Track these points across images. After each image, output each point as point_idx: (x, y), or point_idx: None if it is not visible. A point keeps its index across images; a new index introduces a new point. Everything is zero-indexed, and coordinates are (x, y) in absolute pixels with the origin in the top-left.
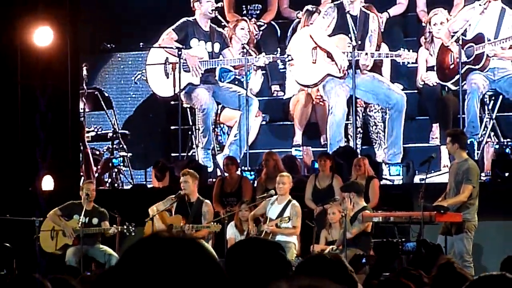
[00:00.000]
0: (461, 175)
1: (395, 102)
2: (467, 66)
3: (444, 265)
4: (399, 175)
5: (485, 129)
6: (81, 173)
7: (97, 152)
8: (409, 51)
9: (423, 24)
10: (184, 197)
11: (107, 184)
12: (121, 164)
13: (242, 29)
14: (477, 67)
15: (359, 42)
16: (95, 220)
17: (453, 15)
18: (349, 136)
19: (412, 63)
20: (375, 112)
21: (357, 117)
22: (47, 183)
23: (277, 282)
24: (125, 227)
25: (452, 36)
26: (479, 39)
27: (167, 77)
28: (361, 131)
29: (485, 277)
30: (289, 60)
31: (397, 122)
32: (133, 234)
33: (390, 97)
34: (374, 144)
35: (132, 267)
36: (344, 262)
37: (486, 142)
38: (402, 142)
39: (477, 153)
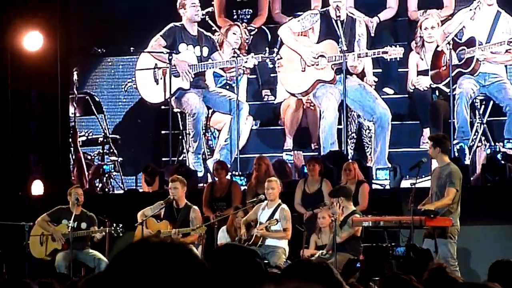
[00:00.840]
0: (443, 179)
1: (378, 116)
2: (458, 69)
3: (436, 269)
4: (387, 179)
5: (476, 133)
6: (73, 178)
7: (88, 157)
8: (396, 47)
9: (415, 26)
10: (173, 202)
11: (98, 189)
12: (112, 169)
13: (234, 34)
14: (466, 70)
15: (346, 48)
16: (83, 225)
17: (445, 17)
18: (342, 141)
19: (403, 68)
20: None
21: (352, 121)
22: (37, 187)
23: (266, 285)
24: (112, 228)
25: (446, 37)
26: (470, 42)
27: (157, 83)
28: (355, 136)
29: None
30: (278, 59)
31: (381, 138)
32: (121, 235)
33: (374, 111)
34: (366, 148)
35: (121, 272)
36: (330, 265)
37: (478, 147)
38: (390, 146)
39: (469, 158)
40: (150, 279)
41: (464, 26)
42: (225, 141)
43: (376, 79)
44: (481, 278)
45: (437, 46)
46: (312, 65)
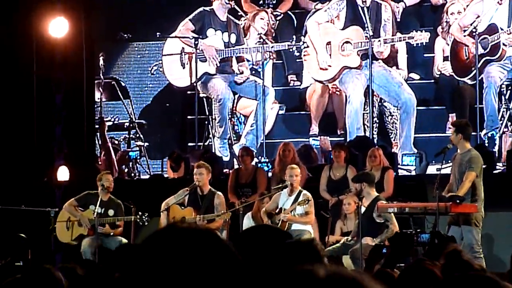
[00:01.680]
0: (464, 165)
1: (403, 102)
2: (485, 58)
3: (451, 253)
4: (412, 165)
5: (502, 119)
6: (100, 163)
7: (116, 142)
8: (422, 32)
9: (441, 12)
10: (197, 189)
11: (125, 175)
12: (138, 156)
13: (262, 19)
14: (494, 57)
15: (372, 33)
16: (111, 212)
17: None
18: (366, 126)
19: (428, 53)
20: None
21: (373, 108)
22: (63, 174)
23: (312, 265)
24: (138, 217)
25: (465, 31)
26: (492, 29)
27: (183, 67)
28: (377, 121)
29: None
30: (305, 47)
31: (406, 124)
32: (146, 224)
33: (400, 96)
34: (390, 134)
35: (149, 258)
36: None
37: (504, 133)
38: (417, 132)
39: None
40: (178, 265)
41: (478, 16)
42: (251, 126)
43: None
44: (506, 264)
45: (454, 41)
46: (339, 46)
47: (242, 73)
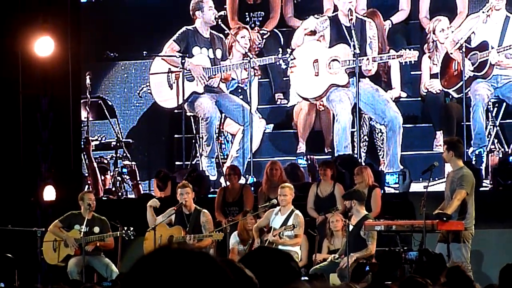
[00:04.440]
0: (456, 183)
1: (389, 120)
2: (472, 73)
3: (453, 269)
4: (396, 183)
5: (489, 136)
6: (88, 183)
7: (105, 161)
8: (410, 50)
9: (426, 32)
10: (183, 208)
11: (111, 193)
12: (126, 174)
13: (242, 37)
14: (480, 74)
15: (359, 51)
16: (96, 229)
17: (456, 24)
18: (354, 144)
19: (415, 71)
20: None
21: (364, 124)
22: (49, 193)
23: (298, 283)
24: (123, 232)
25: (456, 45)
26: (483, 47)
27: (171, 88)
28: (367, 139)
29: None
30: (292, 59)
31: (392, 141)
32: (132, 238)
33: (386, 114)
34: (379, 151)
35: (143, 280)
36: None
37: (491, 151)
38: (404, 149)
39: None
40: (173, 286)
41: (473, 32)
42: (236, 152)
43: (405, 94)
44: (493, 281)
45: (446, 53)
46: (327, 64)
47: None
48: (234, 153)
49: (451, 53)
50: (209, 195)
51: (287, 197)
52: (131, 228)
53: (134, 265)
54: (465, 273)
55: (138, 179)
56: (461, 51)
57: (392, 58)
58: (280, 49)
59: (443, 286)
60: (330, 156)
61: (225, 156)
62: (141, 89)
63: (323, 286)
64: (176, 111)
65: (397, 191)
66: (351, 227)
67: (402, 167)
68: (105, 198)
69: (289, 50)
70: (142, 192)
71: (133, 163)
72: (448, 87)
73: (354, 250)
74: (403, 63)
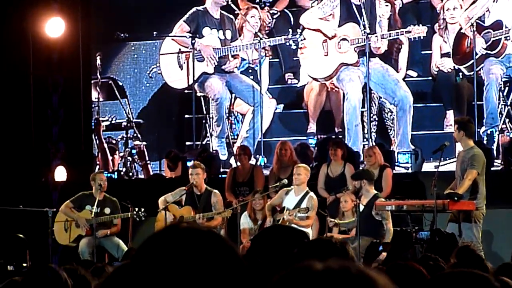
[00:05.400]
0: (466, 163)
1: (399, 99)
2: (485, 52)
3: (463, 250)
4: (408, 162)
5: (500, 116)
6: (98, 163)
7: (113, 141)
8: (419, 26)
9: (437, 11)
10: (193, 188)
11: (122, 173)
12: (136, 154)
13: (252, 17)
14: (492, 52)
15: (369, 30)
16: (107, 210)
17: (467, 1)
18: (364, 124)
19: (426, 50)
20: None
21: (373, 104)
22: (60, 174)
23: (310, 260)
24: (135, 212)
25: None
26: (497, 25)
27: (181, 69)
28: (376, 118)
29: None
30: (302, 40)
31: (402, 121)
32: (143, 219)
33: (396, 94)
34: (390, 131)
35: (151, 259)
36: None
37: (502, 130)
38: (414, 129)
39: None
40: (181, 266)
41: (488, 9)
42: (246, 132)
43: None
44: (504, 260)
45: (460, 29)
46: (336, 44)
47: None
48: (244, 133)
49: (464, 30)
50: (220, 175)
51: (301, 176)
52: (142, 209)
53: (142, 244)
54: (475, 252)
55: (147, 159)
56: (472, 28)
57: (401, 34)
58: (290, 29)
59: (454, 266)
60: (340, 136)
61: (235, 136)
62: (151, 70)
63: (337, 263)
64: (186, 91)
65: (408, 171)
66: (361, 207)
67: (413, 147)
68: (115, 178)
69: (299, 31)
70: (151, 172)
71: (143, 143)
72: (459, 63)
73: (365, 230)
74: (413, 40)
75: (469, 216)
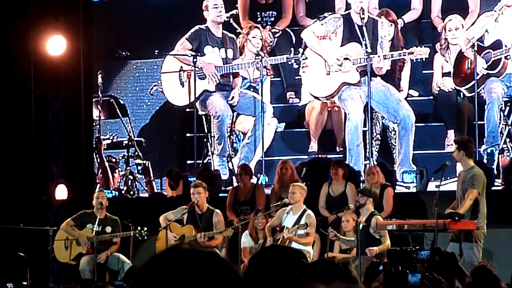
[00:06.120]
0: (467, 182)
1: (401, 118)
2: (485, 72)
3: (479, 269)
4: (412, 182)
5: (501, 135)
6: (97, 182)
7: (113, 160)
8: (421, 47)
9: (438, 31)
10: (195, 207)
11: (123, 192)
12: (137, 172)
13: (254, 37)
14: (493, 72)
15: (370, 50)
16: (108, 229)
17: (468, 22)
18: (366, 143)
19: (427, 69)
20: None
21: (376, 123)
22: (61, 192)
23: (314, 283)
24: (137, 231)
25: (470, 43)
26: (497, 45)
27: (182, 86)
28: (379, 138)
29: None
30: (304, 59)
31: (404, 140)
32: (145, 238)
33: (398, 113)
34: (393, 150)
35: (153, 281)
36: (351, 268)
37: (502, 150)
38: (415, 148)
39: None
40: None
41: (487, 30)
42: (248, 139)
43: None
44: (504, 280)
45: (460, 50)
46: (337, 71)
47: (233, 98)
48: (245, 141)
49: (465, 51)
50: (220, 194)
51: (295, 195)
52: (145, 228)
53: (143, 265)
54: (491, 272)
55: (152, 176)
56: (473, 49)
57: (404, 55)
58: (292, 48)
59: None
60: (341, 156)
61: (235, 152)
62: (152, 87)
63: (340, 286)
64: (188, 110)
65: (410, 190)
66: (361, 226)
67: (414, 166)
68: (116, 196)
69: (300, 50)
70: (155, 190)
71: (145, 162)
72: (460, 85)
73: (366, 248)
74: (415, 61)
75: (470, 235)
